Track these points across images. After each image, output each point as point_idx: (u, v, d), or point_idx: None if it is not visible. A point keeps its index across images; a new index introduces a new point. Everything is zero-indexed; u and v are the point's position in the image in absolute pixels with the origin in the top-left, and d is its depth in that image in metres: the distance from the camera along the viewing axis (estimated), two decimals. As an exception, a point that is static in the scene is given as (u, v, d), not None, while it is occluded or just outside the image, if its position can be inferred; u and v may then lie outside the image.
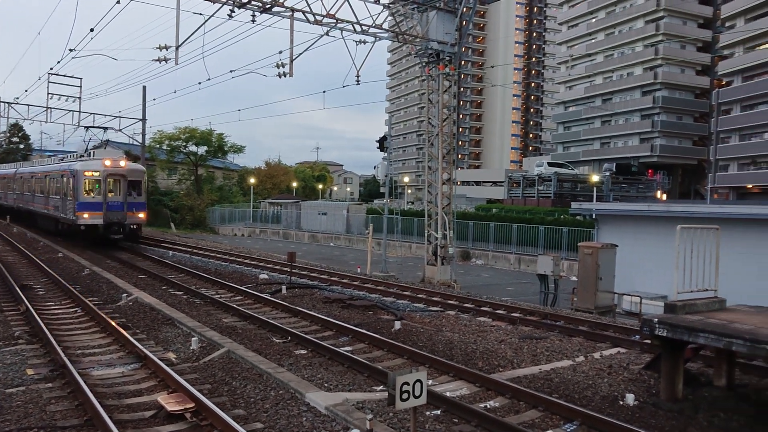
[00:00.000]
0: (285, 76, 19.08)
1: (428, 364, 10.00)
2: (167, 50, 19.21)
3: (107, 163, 26.66)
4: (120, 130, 41.65)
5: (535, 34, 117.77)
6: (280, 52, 19.34)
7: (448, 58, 22.37)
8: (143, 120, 44.09)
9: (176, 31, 18.03)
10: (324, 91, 25.92)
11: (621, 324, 14.20)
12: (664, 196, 61.16)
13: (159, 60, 19.40)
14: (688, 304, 9.06)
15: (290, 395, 8.33)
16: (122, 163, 27.35)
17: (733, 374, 9.30)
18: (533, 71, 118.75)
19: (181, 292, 17.11)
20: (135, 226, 27.29)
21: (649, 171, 68.35)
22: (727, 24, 63.39)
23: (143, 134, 45.78)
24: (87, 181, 26.28)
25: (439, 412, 7.86)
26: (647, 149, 71.14)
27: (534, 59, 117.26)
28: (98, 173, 26.38)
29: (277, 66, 19.17)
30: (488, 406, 8.27)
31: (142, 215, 27.49)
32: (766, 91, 57.03)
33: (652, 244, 18.71)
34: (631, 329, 12.96)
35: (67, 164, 29.37)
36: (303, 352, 10.91)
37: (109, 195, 26.42)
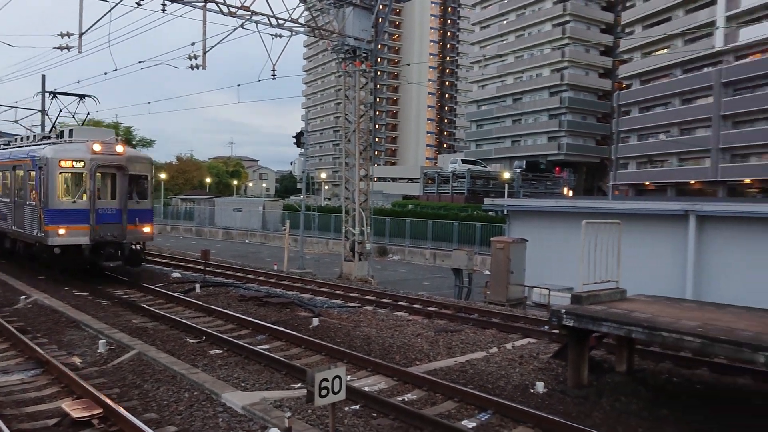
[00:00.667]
0: (197, 69, 18.55)
1: (346, 360, 10.03)
2: (69, 38, 18.22)
3: (96, 147, 17.33)
4: (17, 122, 39.12)
5: (449, 34, 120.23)
6: (193, 44, 18.78)
7: (364, 55, 22.46)
8: (42, 111, 41.59)
9: (79, 17, 17.14)
10: (239, 85, 25.41)
11: (531, 315, 14.78)
12: (570, 193, 64.16)
13: (60, 48, 18.40)
14: (593, 294, 9.55)
15: (205, 396, 8.13)
16: (119, 148, 17.98)
17: (632, 360, 9.90)
18: (447, 70, 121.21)
19: (86, 293, 16.27)
20: (138, 245, 18.48)
21: (557, 168, 71.50)
22: (626, 30, 67.24)
23: (42, 126, 43.19)
24: (64, 175, 17.16)
25: (358, 407, 7.90)
26: (555, 147, 74.33)
27: (448, 58, 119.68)
28: (82, 163, 17.11)
29: (190, 58, 18.61)
30: (406, 399, 8.40)
31: (147, 229, 18.44)
32: (661, 94, 60.99)
33: (560, 238, 19.59)
34: (541, 320, 13.51)
35: (27, 150, 19.41)
36: (218, 351, 10.66)
37: (99, 198, 17.43)
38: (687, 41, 58.27)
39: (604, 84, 75.16)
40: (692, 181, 58.02)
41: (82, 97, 20.96)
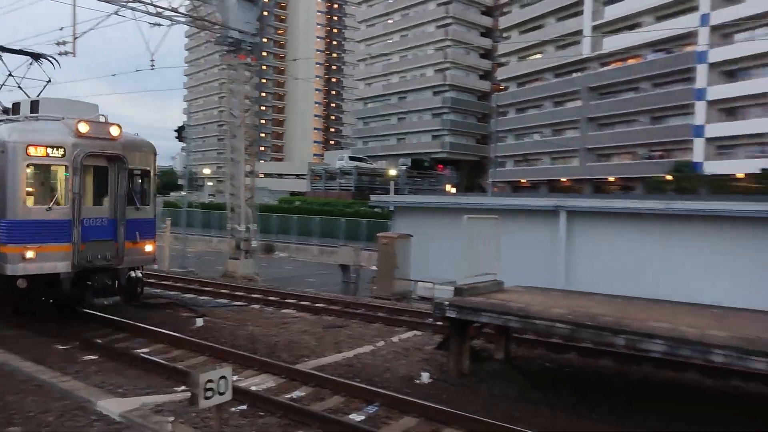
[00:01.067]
0: (67, 55, 17.32)
1: (232, 359, 9.80)
2: None
3: (82, 128, 11.56)
4: None
5: (335, 30, 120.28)
6: (61, 29, 17.52)
7: (249, 48, 21.97)
8: None
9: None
10: (114, 75, 23.92)
11: (416, 309, 15.18)
12: (453, 189, 66.45)
13: None
14: (473, 287, 9.98)
15: (77, 405, 7.63)
16: (113, 130, 12.14)
17: (509, 348, 10.47)
18: (334, 67, 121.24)
19: (-64, 299, 14.70)
20: (136, 272, 12.85)
21: (439, 166, 73.73)
22: (504, 35, 70.62)
23: None
24: (33, 169, 11.48)
25: (245, 407, 7.76)
26: (438, 146, 76.56)
27: (334, 55, 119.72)
28: (62, 151, 11.45)
29: (58, 44, 17.33)
30: (294, 397, 8.36)
31: (150, 247, 12.96)
32: (535, 96, 64.71)
33: (444, 232, 20.21)
34: (425, 313, 13.89)
35: None
36: (93, 357, 10.06)
37: (85, 202, 11.86)
38: (558, 47, 62.19)
39: (484, 85, 78.34)
40: (563, 179, 62.03)
41: (36, 57, 14.88)
